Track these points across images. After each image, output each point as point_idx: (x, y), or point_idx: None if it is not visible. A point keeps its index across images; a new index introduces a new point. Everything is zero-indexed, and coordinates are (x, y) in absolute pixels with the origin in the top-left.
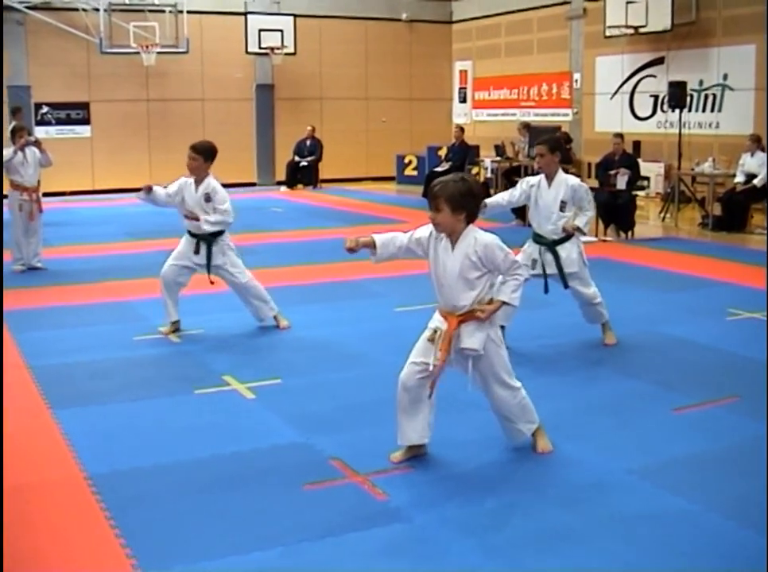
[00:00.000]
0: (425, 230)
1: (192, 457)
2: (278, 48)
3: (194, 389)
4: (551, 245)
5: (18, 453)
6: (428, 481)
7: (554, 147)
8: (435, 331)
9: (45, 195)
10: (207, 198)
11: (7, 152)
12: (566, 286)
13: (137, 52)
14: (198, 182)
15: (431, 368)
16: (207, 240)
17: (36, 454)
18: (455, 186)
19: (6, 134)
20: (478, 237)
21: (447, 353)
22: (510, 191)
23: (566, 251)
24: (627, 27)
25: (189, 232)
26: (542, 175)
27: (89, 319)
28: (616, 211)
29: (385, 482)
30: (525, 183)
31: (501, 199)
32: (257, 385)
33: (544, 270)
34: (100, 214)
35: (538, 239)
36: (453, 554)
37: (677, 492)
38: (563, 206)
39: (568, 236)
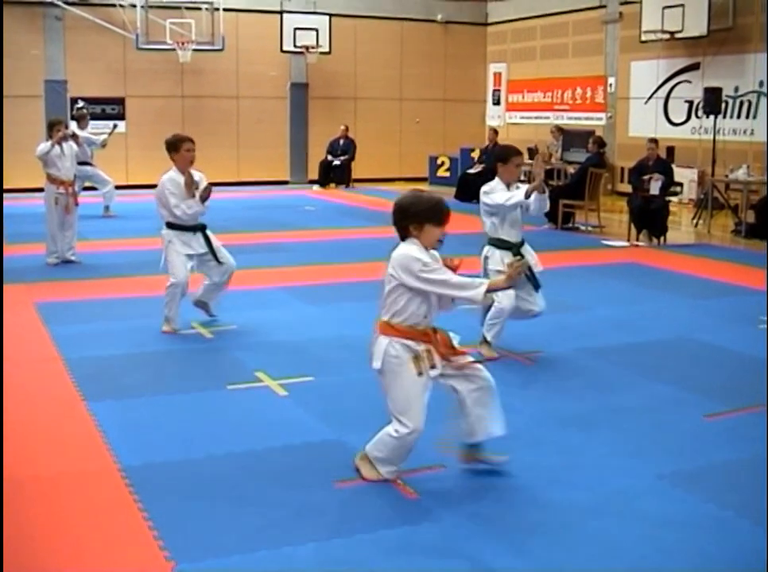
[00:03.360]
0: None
1: (224, 452)
2: (313, 47)
3: (226, 385)
4: (517, 248)
5: (53, 444)
6: (459, 481)
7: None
8: (416, 357)
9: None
10: (197, 186)
11: (44, 145)
12: (537, 288)
13: (173, 49)
14: (185, 172)
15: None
16: (201, 228)
17: (71, 445)
18: None
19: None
20: None
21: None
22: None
23: (529, 253)
24: (663, 32)
25: (182, 228)
26: (500, 183)
27: (123, 313)
28: (649, 216)
29: (416, 481)
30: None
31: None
32: (290, 382)
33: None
34: (134, 209)
35: (503, 244)
36: (483, 553)
37: (708, 498)
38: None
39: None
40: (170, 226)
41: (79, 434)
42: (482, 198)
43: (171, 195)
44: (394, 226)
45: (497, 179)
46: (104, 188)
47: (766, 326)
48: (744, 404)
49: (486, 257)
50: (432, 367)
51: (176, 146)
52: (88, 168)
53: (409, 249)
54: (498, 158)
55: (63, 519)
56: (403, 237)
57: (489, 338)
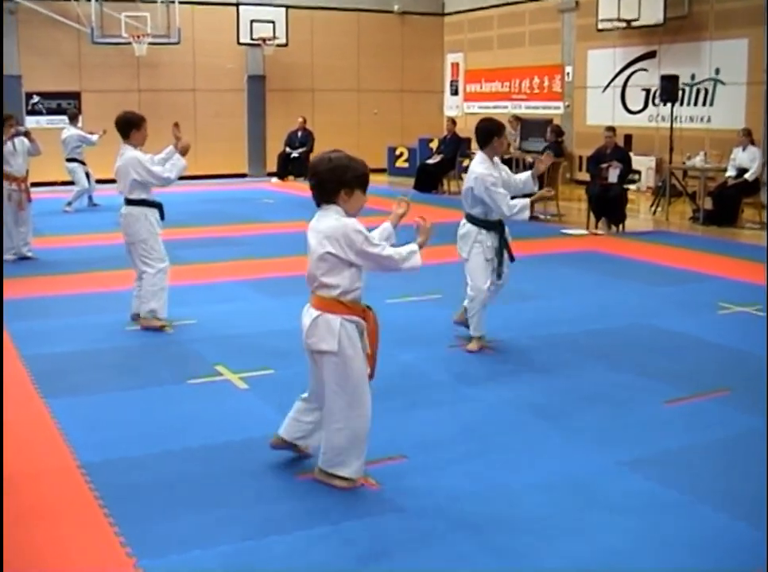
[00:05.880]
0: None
1: (184, 446)
2: (270, 39)
3: (186, 379)
4: (499, 227)
5: (12, 442)
6: (420, 471)
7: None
8: (363, 335)
9: (34, 184)
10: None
11: None
12: (513, 259)
13: (129, 42)
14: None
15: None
16: (159, 205)
17: (30, 443)
18: None
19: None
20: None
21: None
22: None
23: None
24: (620, 20)
25: (152, 204)
26: (487, 160)
27: (80, 309)
28: (607, 204)
29: (377, 472)
30: (499, 171)
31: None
32: (250, 375)
33: (501, 253)
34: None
35: (490, 226)
36: (445, 543)
37: (668, 483)
38: None
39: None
40: (144, 203)
41: (37, 432)
42: (477, 184)
43: (152, 165)
44: (318, 188)
45: (483, 155)
46: (76, 187)
47: (766, 320)
48: (704, 390)
49: (464, 235)
50: None
51: (139, 125)
52: (75, 164)
53: (347, 221)
54: (495, 132)
55: (22, 517)
56: (326, 202)
57: (472, 333)
